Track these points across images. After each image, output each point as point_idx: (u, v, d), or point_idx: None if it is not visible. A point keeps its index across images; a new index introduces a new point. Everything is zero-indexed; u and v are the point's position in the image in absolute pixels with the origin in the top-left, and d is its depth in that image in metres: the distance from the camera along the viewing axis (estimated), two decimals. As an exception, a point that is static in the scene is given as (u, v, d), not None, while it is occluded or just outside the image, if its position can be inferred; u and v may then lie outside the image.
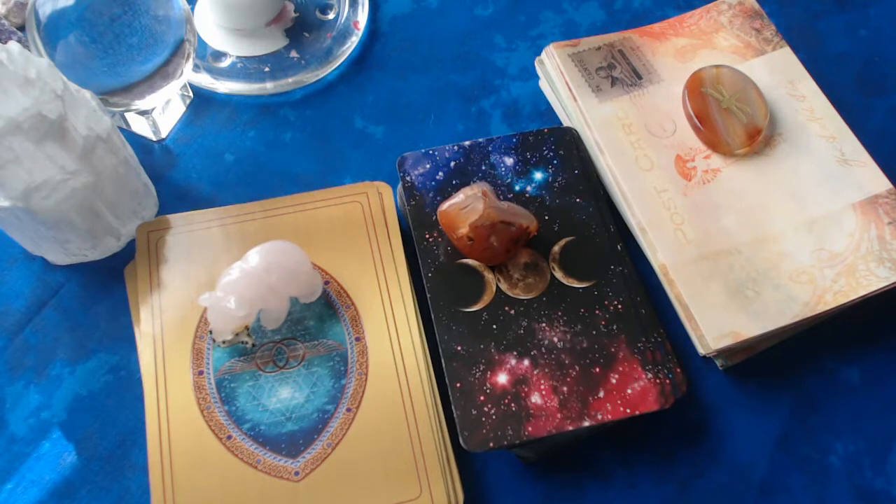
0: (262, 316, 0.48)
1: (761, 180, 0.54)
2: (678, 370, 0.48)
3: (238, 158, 0.57)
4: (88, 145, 0.46)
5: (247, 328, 0.47)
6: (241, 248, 0.50)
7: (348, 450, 0.45)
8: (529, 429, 0.45)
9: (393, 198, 0.54)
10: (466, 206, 0.49)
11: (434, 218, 0.52)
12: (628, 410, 0.46)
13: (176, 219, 0.52)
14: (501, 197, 0.53)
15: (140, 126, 0.57)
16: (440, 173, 0.54)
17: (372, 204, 0.53)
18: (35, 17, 0.49)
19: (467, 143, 0.56)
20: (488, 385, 0.47)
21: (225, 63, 0.61)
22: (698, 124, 0.55)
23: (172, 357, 0.48)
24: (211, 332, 0.47)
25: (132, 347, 0.50)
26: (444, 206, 0.50)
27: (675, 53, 0.59)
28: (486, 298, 0.50)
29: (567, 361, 0.48)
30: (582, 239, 0.52)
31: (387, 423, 0.46)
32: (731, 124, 0.55)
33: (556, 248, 0.52)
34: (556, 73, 0.58)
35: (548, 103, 0.61)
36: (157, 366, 0.47)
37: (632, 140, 0.55)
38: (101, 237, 0.51)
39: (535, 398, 0.46)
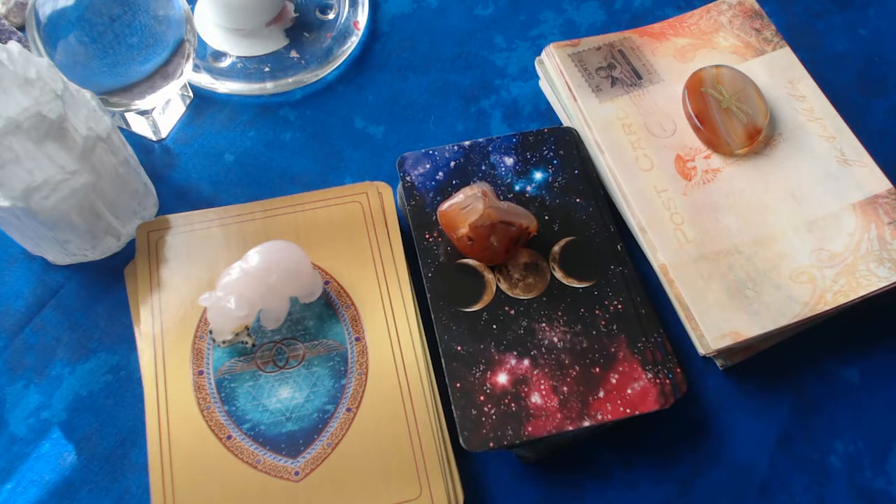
0: (262, 316, 0.48)
1: (761, 180, 0.54)
2: (678, 370, 0.48)
3: (238, 158, 0.57)
4: (88, 145, 0.46)
5: (247, 328, 0.47)
6: (241, 248, 0.50)
7: (348, 450, 0.45)
8: (529, 429, 0.45)
9: (393, 198, 0.54)
10: (466, 206, 0.49)
11: (434, 218, 0.52)
12: (628, 410, 0.46)
13: (176, 219, 0.52)
14: (501, 197, 0.53)
15: (140, 126, 0.57)
16: (440, 173, 0.54)
17: (372, 204, 0.53)
18: (35, 17, 0.49)
19: (467, 143, 0.56)
20: (488, 385, 0.47)
21: (225, 63, 0.61)
22: (698, 124, 0.55)
23: (172, 357, 0.48)
24: (211, 332, 0.47)
25: (132, 347, 0.50)
26: (444, 206, 0.50)
27: (675, 53, 0.59)
28: (486, 298, 0.50)
29: (567, 361, 0.48)
30: (582, 239, 0.52)
31: (387, 423, 0.46)
32: (731, 124, 0.55)
33: (556, 248, 0.52)
34: (556, 73, 0.58)
35: (548, 103, 0.61)
36: (157, 366, 0.47)
37: (632, 140, 0.55)
38: (101, 237, 0.51)
39: (535, 398, 0.46)
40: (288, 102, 0.60)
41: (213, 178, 0.56)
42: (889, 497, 0.47)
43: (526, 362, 0.48)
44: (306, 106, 0.60)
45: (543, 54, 0.59)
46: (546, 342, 0.48)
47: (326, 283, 0.50)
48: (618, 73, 0.58)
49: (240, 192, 0.56)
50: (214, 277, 0.49)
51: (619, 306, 0.50)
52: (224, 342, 0.47)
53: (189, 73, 0.55)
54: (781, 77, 0.58)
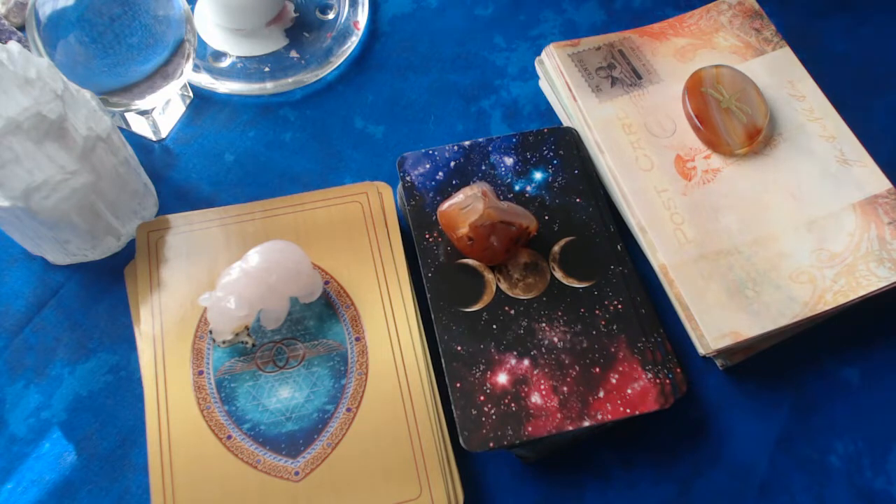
0: (262, 316, 0.48)
1: (761, 180, 0.54)
2: (678, 370, 0.48)
3: (238, 158, 0.57)
4: (88, 145, 0.46)
5: (247, 328, 0.47)
6: (241, 248, 0.50)
7: (348, 450, 0.45)
8: (529, 429, 0.45)
9: (393, 198, 0.54)
10: (466, 206, 0.49)
11: (434, 218, 0.52)
12: (628, 410, 0.46)
13: (176, 219, 0.52)
14: (501, 197, 0.53)
15: (140, 126, 0.57)
16: (440, 173, 0.54)
17: (372, 204, 0.53)
18: (35, 17, 0.49)
19: (467, 143, 0.56)
20: (488, 385, 0.47)
21: (225, 63, 0.61)
22: (698, 124, 0.55)
23: (172, 357, 0.48)
24: (211, 332, 0.47)
25: (132, 347, 0.50)
26: (444, 206, 0.50)
27: (675, 53, 0.59)
28: (486, 298, 0.50)
29: (567, 361, 0.48)
30: (582, 239, 0.52)
31: (387, 423, 0.46)
32: (731, 124, 0.55)
33: (556, 248, 0.52)
34: (556, 73, 0.58)
35: (548, 103, 0.61)
36: (157, 366, 0.47)
37: (632, 140, 0.55)
38: (101, 237, 0.51)
39: (535, 398, 0.46)
40: (288, 102, 0.60)
41: (213, 178, 0.56)
42: (889, 497, 0.47)
43: (526, 362, 0.48)
44: (306, 106, 0.60)
45: (543, 54, 0.59)
46: (546, 342, 0.48)
47: (326, 283, 0.50)
48: (618, 73, 0.58)
49: (240, 192, 0.56)
50: (214, 277, 0.49)
51: (619, 306, 0.50)
52: (224, 342, 0.47)
53: (189, 73, 0.55)
54: (781, 77, 0.58)
